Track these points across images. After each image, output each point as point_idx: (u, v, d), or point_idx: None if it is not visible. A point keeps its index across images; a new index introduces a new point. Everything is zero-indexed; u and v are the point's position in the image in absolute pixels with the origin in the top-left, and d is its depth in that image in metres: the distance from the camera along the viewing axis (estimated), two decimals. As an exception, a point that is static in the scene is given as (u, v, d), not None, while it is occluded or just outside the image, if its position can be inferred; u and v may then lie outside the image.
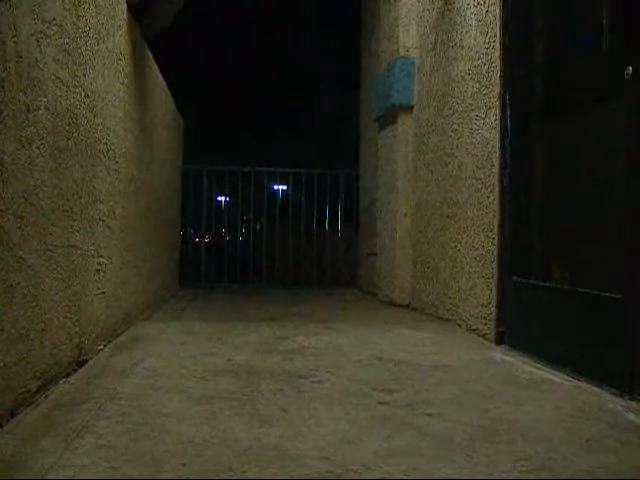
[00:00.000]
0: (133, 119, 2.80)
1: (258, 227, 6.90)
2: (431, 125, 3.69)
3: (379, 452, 1.28)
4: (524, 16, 2.58)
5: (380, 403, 1.67)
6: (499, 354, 2.42)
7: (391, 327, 3.16)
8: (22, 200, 1.46)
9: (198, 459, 1.22)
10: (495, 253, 2.68)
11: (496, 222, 2.69)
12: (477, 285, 2.88)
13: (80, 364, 1.96)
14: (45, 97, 1.60)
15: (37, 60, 1.54)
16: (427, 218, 3.73)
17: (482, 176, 2.85)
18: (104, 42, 2.23)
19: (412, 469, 1.19)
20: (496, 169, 2.70)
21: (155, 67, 3.44)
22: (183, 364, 2.10)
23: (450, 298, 3.25)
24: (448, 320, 3.25)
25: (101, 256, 2.25)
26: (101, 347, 2.26)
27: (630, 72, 1.81)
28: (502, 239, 2.64)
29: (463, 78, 3.13)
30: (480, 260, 2.85)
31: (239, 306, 3.98)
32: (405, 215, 4.11)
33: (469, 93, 3.04)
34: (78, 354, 1.96)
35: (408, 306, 4.03)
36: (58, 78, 1.71)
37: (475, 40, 2.97)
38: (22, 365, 1.48)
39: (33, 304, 1.55)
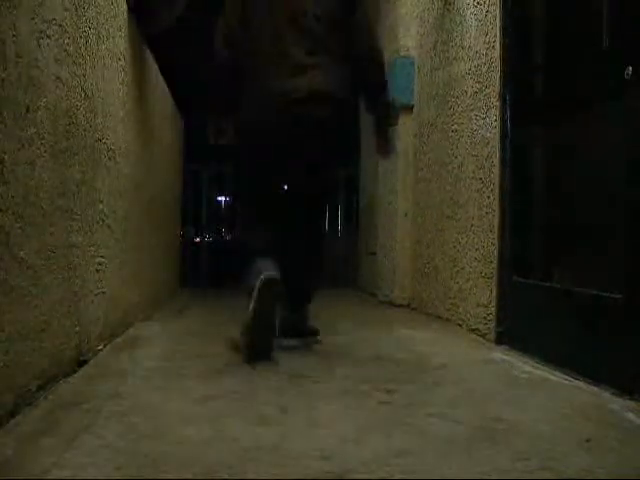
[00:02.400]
0: (133, 119, 2.80)
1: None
2: (431, 125, 3.69)
3: (379, 452, 1.28)
4: (524, 16, 2.58)
5: (380, 403, 1.67)
6: (499, 354, 2.41)
7: (391, 327, 3.16)
8: (22, 200, 1.46)
9: (198, 459, 1.22)
10: (495, 253, 2.68)
11: (496, 222, 2.68)
12: (477, 285, 2.88)
13: (80, 364, 1.96)
14: (45, 97, 1.60)
15: (37, 60, 1.54)
16: (427, 218, 3.73)
17: (482, 176, 2.85)
18: (104, 42, 2.23)
19: (412, 469, 1.19)
20: (496, 169, 2.70)
21: (155, 67, 3.44)
22: (183, 364, 2.10)
23: (450, 298, 3.25)
24: (448, 320, 3.25)
25: (101, 256, 2.25)
26: (101, 347, 2.26)
27: (630, 72, 1.81)
28: (502, 239, 2.64)
29: (463, 78, 3.13)
30: (480, 260, 2.85)
31: (239, 306, 3.98)
32: (405, 215, 4.11)
33: (469, 93, 3.04)
34: (78, 354, 1.96)
35: (408, 306, 4.03)
36: (58, 78, 1.71)
37: (475, 40, 2.97)
38: (22, 365, 1.48)
39: (33, 304, 1.55)
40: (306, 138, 2.37)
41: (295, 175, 2.50)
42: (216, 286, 5.53)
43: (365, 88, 2.62)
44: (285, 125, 2.35)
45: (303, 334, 2.48)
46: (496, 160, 2.70)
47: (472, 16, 3.02)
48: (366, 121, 5.21)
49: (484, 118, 2.85)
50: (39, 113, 1.56)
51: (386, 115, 2.75)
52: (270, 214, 2.49)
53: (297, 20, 2.39)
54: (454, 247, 3.21)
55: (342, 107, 2.47)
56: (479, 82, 2.91)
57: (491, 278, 2.71)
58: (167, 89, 3.95)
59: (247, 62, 2.43)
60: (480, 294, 2.83)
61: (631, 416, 1.58)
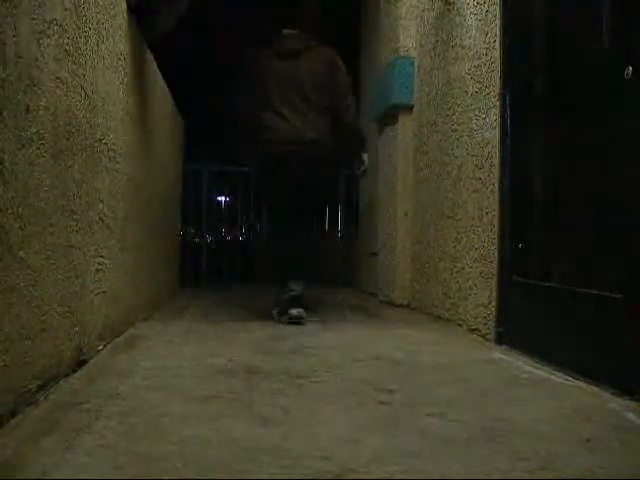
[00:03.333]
0: (133, 119, 2.80)
1: (258, 227, 6.91)
2: (431, 125, 3.69)
3: (379, 452, 1.28)
4: (524, 16, 2.57)
5: (380, 403, 1.67)
6: (499, 354, 2.42)
7: (391, 327, 3.16)
8: (22, 200, 1.46)
9: (198, 459, 1.22)
10: (495, 253, 2.68)
11: (496, 222, 2.68)
12: (477, 285, 2.88)
13: (80, 364, 1.97)
14: (45, 97, 1.60)
15: (37, 60, 1.54)
16: (427, 218, 3.73)
17: (482, 176, 2.85)
18: (104, 42, 2.23)
19: (412, 469, 1.19)
20: (496, 169, 2.70)
21: (155, 67, 3.44)
22: (183, 364, 2.10)
23: (450, 298, 3.25)
24: (448, 320, 3.25)
25: (101, 256, 2.25)
26: (101, 347, 2.26)
27: (630, 72, 1.81)
28: (502, 239, 2.64)
29: (463, 78, 3.13)
30: (480, 260, 2.85)
31: (239, 306, 3.99)
32: (405, 215, 4.11)
33: (469, 93, 3.04)
34: (78, 354, 1.96)
35: (408, 306, 4.03)
36: (58, 78, 1.71)
37: (475, 40, 2.97)
38: (22, 365, 1.48)
39: (33, 304, 1.55)
40: (290, 166, 3.33)
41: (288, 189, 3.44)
42: (216, 286, 5.53)
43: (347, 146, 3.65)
44: (273, 159, 3.37)
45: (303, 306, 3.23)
46: (496, 160, 2.70)
47: (472, 16, 3.02)
48: (367, 123, 5.22)
49: (484, 118, 2.85)
50: (39, 113, 1.56)
51: (359, 145, 3.67)
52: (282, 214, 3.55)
53: (289, 88, 3.35)
54: (454, 247, 3.21)
55: (317, 146, 3.35)
56: (479, 82, 2.91)
57: (491, 278, 2.71)
58: (167, 89, 3.95)
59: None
60: (480, 294, 2.83)
61: (631, 416, 1.58)
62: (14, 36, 1.39)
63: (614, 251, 1.90)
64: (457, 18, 3.23)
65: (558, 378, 2.00)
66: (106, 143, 2.29)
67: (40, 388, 1.60)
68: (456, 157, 3.21)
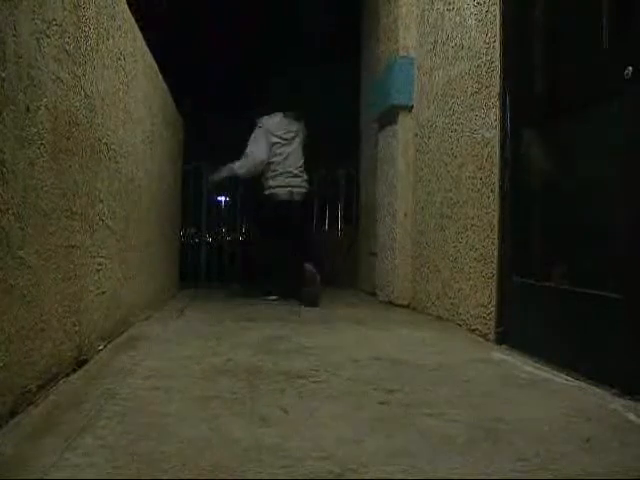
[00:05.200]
0: (133, 119, 2.80)
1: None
2: (431, 125, 3.69)
3: (379, 452, 1.28)
4: (524, 16, 2.58)
5: (380, 403, 1.67)
6: (499, 354, 2.42)
7: (391, 327, 3.16)
8: (22, 200, 1.46)
9: (198, 459, 1.22)
10: (495, 253, 2.68)
11: (496, 222, 2.69)
12: (477, 285, 2.88)
13: (80, 364, 1.97)
14: (45, 97, 1.60)
15: (37, 60, 1.54)
16: (427, 218, 3.73)
17: (482, 176, 2.85)
18: (104, 42, 2.23)
19: (412, 469, 1.19)
20: (496, 169, 2.70)
21: (155, 67, 3.44)
22: (183, 364, 2.10)
23: (450, 298, 3.25)
24: (448, 320, 3.25)
25: (101, 256, 2.25)
26: (101, 347, 2.26)
27: (630, 72, 1.81)
28: (502, 239, 2.64)
29: (463, 78, 3.13)
30: (480, 260, 2.85)
31: (239, 306, 3.99)
32: (405, 215, 4.11)
33: (469, 93, 3.04)
34: (78, 354, 1.96)
35: (408, 306, 4.03)
36: (58, 78, 1.71)
37: (475, 40, 2.97)
38: (22, 365, 1.48)
39: (33, 304, 1.55)
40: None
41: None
42: (216, 286, 5.53)
43: None
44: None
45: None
46: (496, 160, 2.70)
47: (472, 16, 3.02)
48: (366, 122, 5.23)
49: (484, 118, 2.85)
50: (39, 113, 1.56)
51: None
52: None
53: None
54: (454, 247, 3.21)
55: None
56: (479, 82, 2.91)
57: (491, 278, 2.71)
58: (167, 88, 3.95)
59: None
60: (480, 294, 2.83)
61: (631, 416, 1.58)
62: (14, 36, 1.39)
63: (614, 251, 1.90)
64: (457, 18, 3.23)
65: (558, 378, 2.00)
66: (106, 143, 2.29)
67: (40, 388, 1.59)
68: (456, 157, 3.21)
